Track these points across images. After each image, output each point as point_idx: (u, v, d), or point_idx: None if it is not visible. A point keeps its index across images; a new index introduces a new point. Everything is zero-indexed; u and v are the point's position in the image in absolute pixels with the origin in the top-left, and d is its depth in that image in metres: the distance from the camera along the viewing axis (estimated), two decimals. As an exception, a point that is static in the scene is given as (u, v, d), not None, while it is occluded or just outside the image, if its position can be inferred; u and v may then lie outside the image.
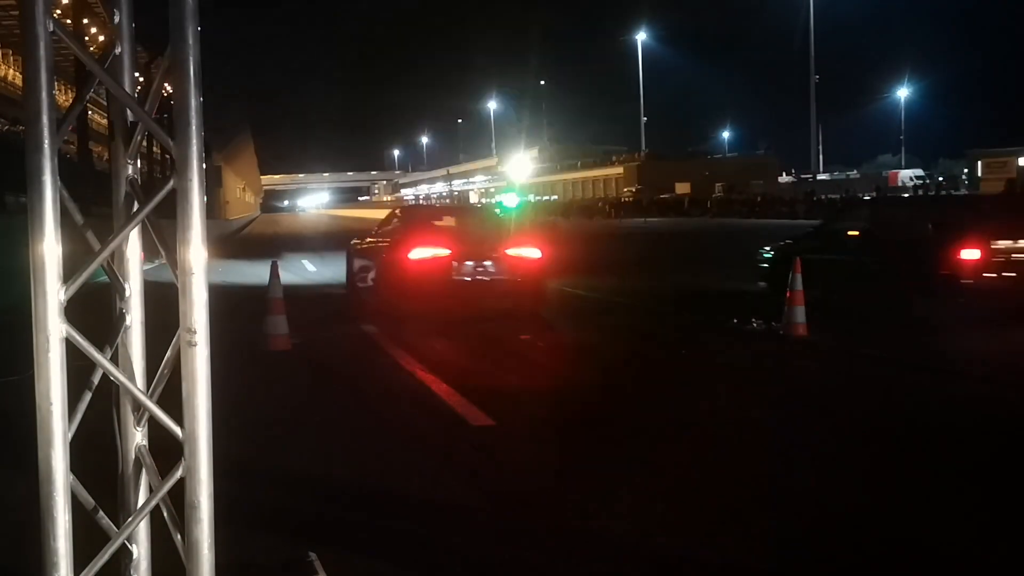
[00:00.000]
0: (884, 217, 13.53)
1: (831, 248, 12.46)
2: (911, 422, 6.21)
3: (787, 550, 4.01)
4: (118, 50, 2.01)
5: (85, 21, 27.82)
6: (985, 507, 4.54)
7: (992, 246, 10.56)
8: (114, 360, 1.99)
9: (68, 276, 1.75)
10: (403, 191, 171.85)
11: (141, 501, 2.07)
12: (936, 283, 10.66)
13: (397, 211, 14.62)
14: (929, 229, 11.53)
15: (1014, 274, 10.37)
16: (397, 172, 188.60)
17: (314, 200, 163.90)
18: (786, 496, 4.71)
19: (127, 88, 2.01)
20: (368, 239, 13.48)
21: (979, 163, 57.22)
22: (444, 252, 11.24)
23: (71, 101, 2.06)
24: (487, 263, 11.33)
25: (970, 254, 10.53)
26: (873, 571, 3.82)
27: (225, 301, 11.34)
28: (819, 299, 10.43)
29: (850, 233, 12.82)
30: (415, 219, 13.47)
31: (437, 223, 13.03)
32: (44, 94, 1.72)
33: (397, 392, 7.48)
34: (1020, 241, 10.67)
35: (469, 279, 11.22)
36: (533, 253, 11.69)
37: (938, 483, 4.91)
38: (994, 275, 10.43)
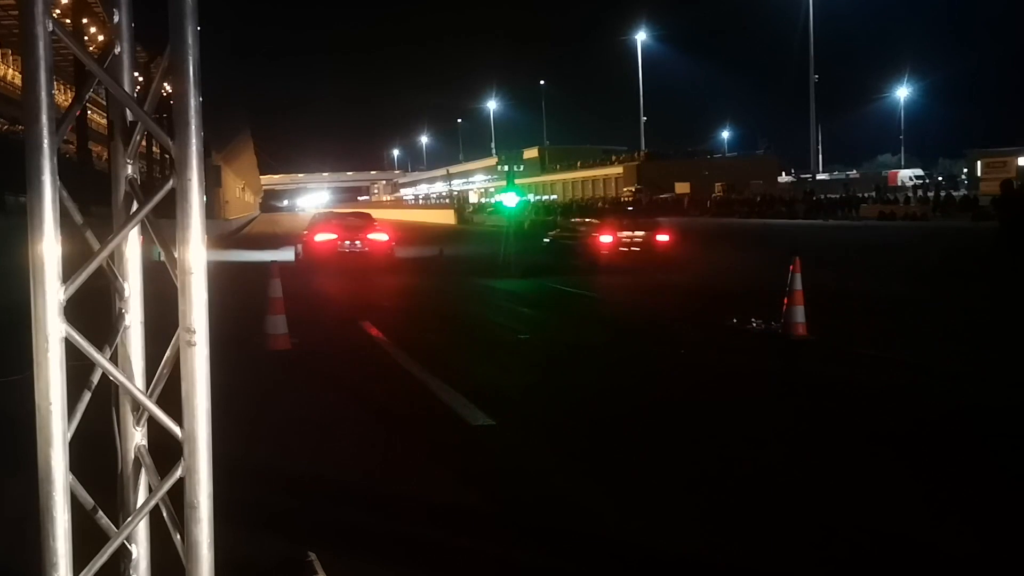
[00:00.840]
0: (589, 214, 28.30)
1: (567, 235, 22.39)
2: (912, 422, 6.21)
3: (790, 552, 4.01)
4: (117, 50, 2.00)
5: (85, 21, 27.79)
6: (991, 508, 4.54)
7: (620, 234, 19.98)
8: (113, 360, 1.99)
9: (68, 276, 1.75)
10: (403, 191, 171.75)
11: (141, 501, 2.07)
12: (595, 256, 19.92)
13: (313, 216, 26.49)
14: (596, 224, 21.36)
15: (638, 249, 19.80)
16: (397, 172, 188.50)
17: (314, 200, 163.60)
18: (788, 498, 4.71)
19: (126, 88, 2.01)
20: (303, 233, 23.06)
21: (979, 163, 57.22)
22: (333, 236, 21.31)
23: (71, 101, 2.06)
24: (357, 242, 21.22)
25: (606, 239, 19.98)
26: (869, 570, 3.82)
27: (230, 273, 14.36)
28: (554, 264, 19.78)
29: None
30: (321, 220, 23.65)
31: (332, 222, 22.91)
32: (43, 94, 1.72)
33: (397, 392, 7.47)
34: (636, 232, 20.18)
35: (347, 251, 21.05)
36: (383, 237, 21.67)
37: (945, 487, 4.92)
38: (625, 250, 19.83)
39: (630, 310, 13.50)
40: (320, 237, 21.32)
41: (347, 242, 21.06)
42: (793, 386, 7.53)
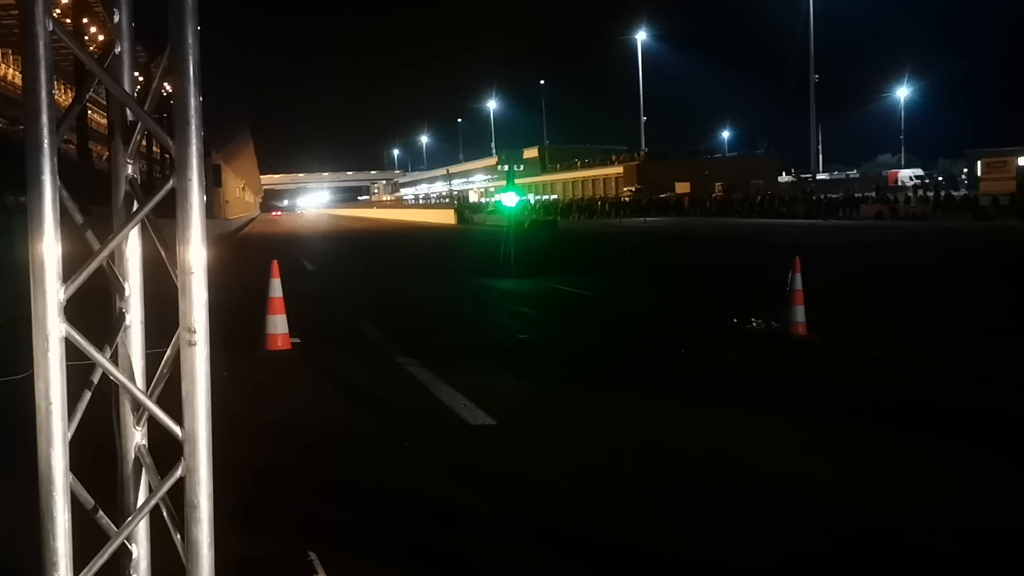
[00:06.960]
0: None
1: None
2: (914, 422, 6.21)
3: (788, 552, 4.01)
4: (118, 49, 2.00)
5: (85, 21, 27.79)
6: (989, 506, 4.55)
7: (273, 214, 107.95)
8: (113, 360, 1.99)
9: (68, 276, 1.75)
10: (403, 191, 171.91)
11: (141, 501, 2.07)
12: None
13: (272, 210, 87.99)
14: None
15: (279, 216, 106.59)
16: (397, 172, 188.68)
17: (313, 200, 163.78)
18: (788, 498, 4.71)
19: (127, 88, 2.01)
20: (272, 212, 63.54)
21: (979, 163, 57.25)
22: (272, 212, 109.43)
23: (71, 101, 2.06)
24: (275, 213, 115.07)
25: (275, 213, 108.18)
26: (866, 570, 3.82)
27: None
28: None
29: None
30: (270, 209, 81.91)
31: (273, 210, 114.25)
32: (44, 93, 1.72)
33: (396, 391, 7.47)
34: (280, 212, 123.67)
35: (273, 215, 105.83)
36: (279, 213, 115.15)
37: (946, 487, 4.92)
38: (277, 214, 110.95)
39: (629, 310, 13.50)
40: (273, 214, 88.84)
41: (276, 213, 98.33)
42: (793, 386, 7.53)
